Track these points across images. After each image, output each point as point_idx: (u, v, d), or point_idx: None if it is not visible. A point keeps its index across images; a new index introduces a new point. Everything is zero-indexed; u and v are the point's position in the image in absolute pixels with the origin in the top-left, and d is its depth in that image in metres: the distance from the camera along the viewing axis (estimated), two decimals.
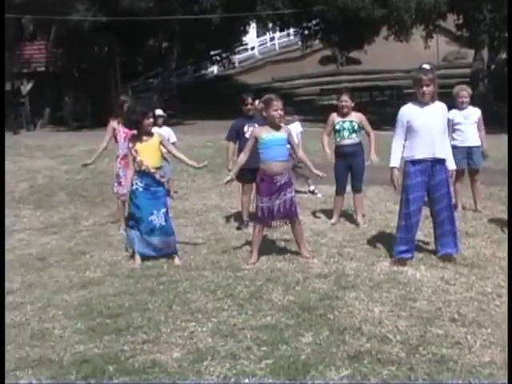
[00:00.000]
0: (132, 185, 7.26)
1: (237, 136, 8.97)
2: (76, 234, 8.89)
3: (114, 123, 8.88)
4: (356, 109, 8.82)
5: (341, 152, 8.75)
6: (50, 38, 32.11)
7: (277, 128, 7.00)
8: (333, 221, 8.87)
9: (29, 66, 32.09)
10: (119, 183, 8.89)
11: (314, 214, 9.52)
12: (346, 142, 8.67)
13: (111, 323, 5.37)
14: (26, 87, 32.15)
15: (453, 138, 9.10)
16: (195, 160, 7.62)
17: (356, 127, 8.65)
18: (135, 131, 7.31)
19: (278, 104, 6.94)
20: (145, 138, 7.20)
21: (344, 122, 8.64)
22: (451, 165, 6.99)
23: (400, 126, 6.87)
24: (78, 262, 7.44)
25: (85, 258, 7.57)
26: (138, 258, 7.18)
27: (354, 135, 8.66)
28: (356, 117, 8.71)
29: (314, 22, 33.83)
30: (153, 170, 7.14)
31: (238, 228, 8.76)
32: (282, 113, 6.97)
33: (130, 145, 7.24)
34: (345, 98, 8.68)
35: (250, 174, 8.59)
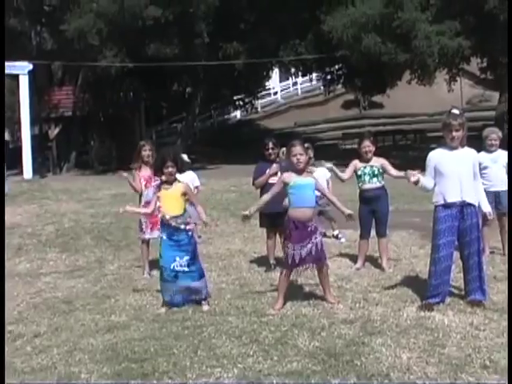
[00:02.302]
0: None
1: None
2: (101, 278, 8.92)
3: (137, 170, 9.03)
4: (377, 153, 8.83)
5: (364, 197, 8.77)
6: (77, 83, 32.69)
7: (301, 173, 7.01)
8: (358, 266, 8.81)
9: (57, 110, 32.64)
10: (141, 229, 8.99)
11: (338, 258, 9.46)
12: (368, 186, 8.67)
13: (137, 368, 5.36)
14: (54, 131, 32.64)
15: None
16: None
17: (376, 172, 8.66)
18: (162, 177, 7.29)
19: (296, 149, 6.97)
20: (166, 185, 7.19)
21: (365, 167, 8.67)
22: (485, 207, 6.96)
23: (429, 171, 6.89)
24: (103, 305, 7.45)
25: (110, 302, 7.58)
26: (164, 307, 7.14)
27: (374, 179, 8.67)
28: (377, 161, 8.71)
29: (336, 66, 34.17)
30: (168, 218, 7.08)
31: (266, 271, 8.75)
32: (301, 158, 6.96)
33: (157, 190, 7.26)
34: (366, 143, 8.70)
35: (271, 218, 8.65)
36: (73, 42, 26.62)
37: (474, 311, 6.56)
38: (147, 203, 8.48)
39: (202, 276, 7.26)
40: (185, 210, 7.26)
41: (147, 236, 8.99)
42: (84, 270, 9.58)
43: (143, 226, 8.96)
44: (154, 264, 9.09)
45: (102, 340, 6.16)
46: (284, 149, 8.58)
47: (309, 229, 6.92)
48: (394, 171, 8.66)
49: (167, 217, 7.11)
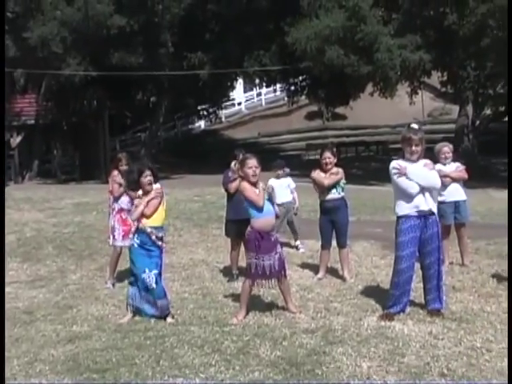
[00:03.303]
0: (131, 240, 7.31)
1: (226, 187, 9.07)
2: (63, 288, 8.85)
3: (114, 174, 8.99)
4: (339, 165, 8.93)
5: (324, 207, 8.86)
6: (40, 91, 32.39)
7: (255, 185, 7.03)
8: (319, 276, 8.89)
9: (19, 118, 32.29)
10: (113, 236, 8.94)
11: (300, 268, 9.53)
12: (329, 197, 8.76)
13: (99, 378, 5.34)
14: (16, 140, 32.27)
15: (440, 194, 9.21)
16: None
17: (335, 184, 8.77)
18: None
19: (251, 162, 7.02)
20: (144, 197, 7.15)
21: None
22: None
23: (402, 178, 6.90)
24: (65, 316, 7.40)
25: (72, 312, 7.53)
26: (129, 314, 7.13)
27: (334, 190, 8.77)
28: (338, 173, 8.81)
29: (300, 77, 34.44)
30: (149, 230, 7.09)
31: (228, 281, 8.78)
32: (257, 170, 7.02)
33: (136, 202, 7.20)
34: (327, 154, 8.80)
35: (236, 227, 8.67)
36: (36, 50, 26.41)
37: (433, 320, 6.68)
38: (122, 210, 8.52)
39: (165, 294, 7.21)
40: (163, 223, 7.26)
41: (119, 243, 8.93)
42: (46, 279, 9.49)
43: (115, 234, 8.92)
44: (117, 275, 9.06)
45: (64, 351, 6.13)
46: (233, 162, 8.66)
47: (272, 239, 7.00)
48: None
49: (148, 227, 7.09)
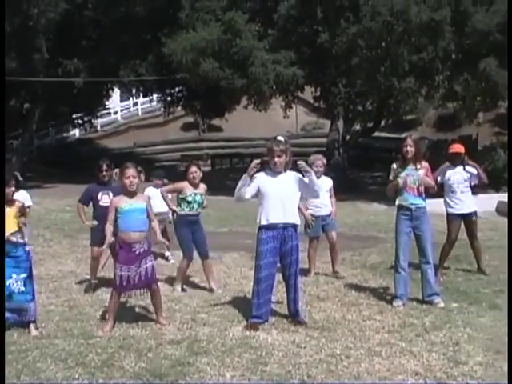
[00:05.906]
0: None
1: (90, 201, 8.97)
2: None
3: None
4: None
5: (186, 220, 8.85)
6: None
7: (133, 196, 7.05)
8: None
9: None
10: None
11: (170, 280, 9.52)
12: (193, 212, 8.85)
13: None
14: None
15: (308, 207, 9.50)
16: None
17: (202, 200, 8.91)
18: None
19: (129, 172, 7.02)
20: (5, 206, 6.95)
21: (196, 194, 8.85)
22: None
23: (252, 186, 7.20)
24: None
25: None
26: None
27: (200, 209, 8.93)
28: (203, 189, 8.95)
29: (176, 88, 34.46)
30: (12, 239, 6.85)
31: (85, 291, 8.74)
32: (133, 180, 7.02)
33: None
34: (193, 169, 8.87)
35: (99, 238, 8.64)
36: None
37: (296, 330, 6.89)
38: None
39: (34, 297, 7.08)
40: (20, 227, 7.08)
41: None
42: None
43: None
44: None
45: None
46: (117, 170, 8.59)
47: (136, 252, 6.94)
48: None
49: (7, 234, 6.87)
